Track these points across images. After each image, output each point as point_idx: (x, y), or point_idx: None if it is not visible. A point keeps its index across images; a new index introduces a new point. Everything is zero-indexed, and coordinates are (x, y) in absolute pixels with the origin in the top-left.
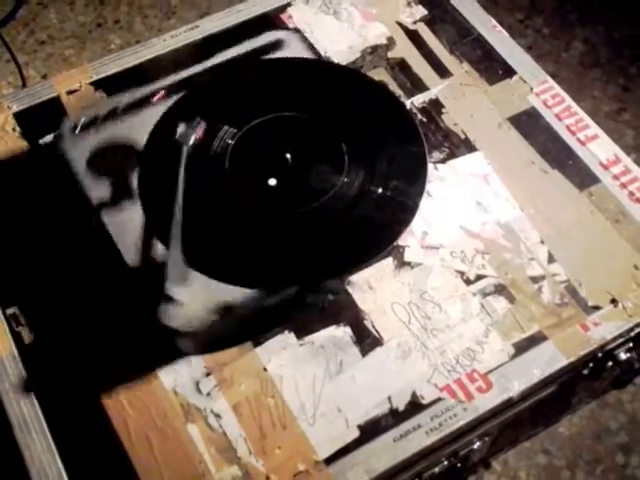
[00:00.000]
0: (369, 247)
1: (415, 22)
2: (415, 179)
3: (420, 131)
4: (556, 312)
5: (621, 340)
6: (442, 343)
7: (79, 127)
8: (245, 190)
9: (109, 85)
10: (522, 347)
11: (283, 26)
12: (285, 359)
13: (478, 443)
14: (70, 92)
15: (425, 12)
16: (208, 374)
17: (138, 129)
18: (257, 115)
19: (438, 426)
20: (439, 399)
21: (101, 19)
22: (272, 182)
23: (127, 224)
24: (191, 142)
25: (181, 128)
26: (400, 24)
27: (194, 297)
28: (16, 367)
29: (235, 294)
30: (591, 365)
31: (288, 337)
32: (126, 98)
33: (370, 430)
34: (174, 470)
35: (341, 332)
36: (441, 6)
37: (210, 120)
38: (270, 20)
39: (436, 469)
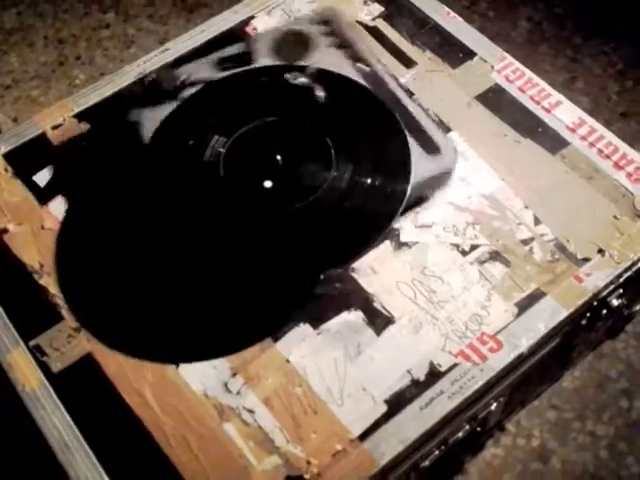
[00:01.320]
0: (367, 234)
1: (374, 19)
2: (400, 166)
3: (400, 120)
4: (550, 268)
5: (612, 287)
6: (449, 313)
7: None
8: (241, 193)
9: (92, 115)
10: (524, 305)
11: (247, 38)
12: (305, 349)
13: (494, 404)
14: (55, 127)
15: (382, 9)
16: (234, 374)
17: None
18: (243, 123)
19: (459, 389)
20: (455, 364)
21: (62, 57)
22: (267, 184)
23: None
24: None
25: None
26: (360, 22)
27: None
28: (48, 395)
29: None
30: (588, 315)
31: (304, 328)
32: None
33: (396, 403)
34: (217, 467)
35: (353, 316)
36: (396, 1)
37: (201, 131)
38: (236, 34)
39: (460, 434)
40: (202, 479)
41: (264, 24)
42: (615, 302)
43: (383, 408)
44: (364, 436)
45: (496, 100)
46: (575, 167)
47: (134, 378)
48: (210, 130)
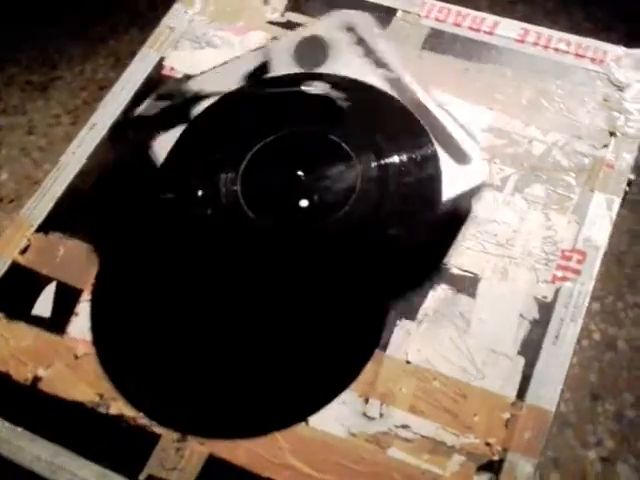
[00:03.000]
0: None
1: (282, 14)
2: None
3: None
4: (581, 168)
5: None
6: (523, 247)
7: None
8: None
9: (56, 221)
10: (581, 210)
11: (172, 80)
12: (417, 343)
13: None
14: (23, 251)
15: (285, 1)
16: (367, 400)
17: None
18: (251, 146)
19: (575, 309)
20: (558, 290)
21: None
22: (304, 203)
23: None
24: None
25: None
26: (272, 22)
27: None
28: None
29: None
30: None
31: (404, 324)
32: None
33: (530, 349)
34: None
35: (441, 292)
36: None
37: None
38: (156, 81)
39: None
40: None
41: (179, 60)
42: None
43: (521, 360)
44: (521, 393)
45: (440, 43)
46: (544, 72)
47: (270, 454)
48: (215, 168)
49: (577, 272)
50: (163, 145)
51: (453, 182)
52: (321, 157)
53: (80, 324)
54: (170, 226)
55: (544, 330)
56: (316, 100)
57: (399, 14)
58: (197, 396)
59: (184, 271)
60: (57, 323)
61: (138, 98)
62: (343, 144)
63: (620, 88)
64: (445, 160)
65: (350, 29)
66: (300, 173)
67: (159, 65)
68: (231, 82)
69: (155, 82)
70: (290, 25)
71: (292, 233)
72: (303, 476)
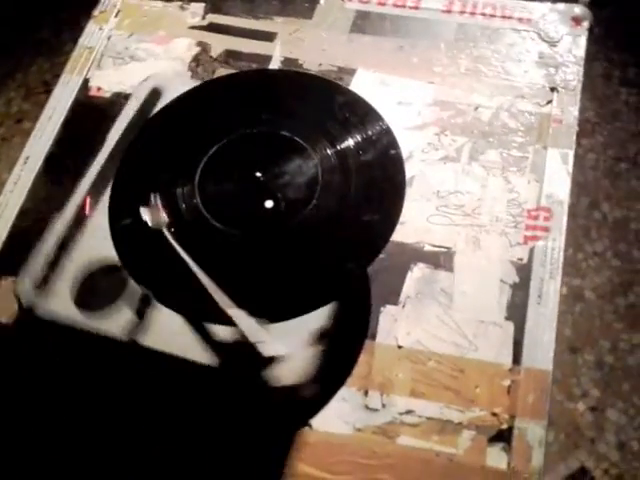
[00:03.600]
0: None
1: (203, 17)
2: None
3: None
4: (530, 124)
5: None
6: (489, 214)
7: None
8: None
9: (6, 266)
10: (538, 158)
11: (101, 100)
12: (405, 326)
13: None
14: None
15: (203, 4)
16: (366, 392)
17: None
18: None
19: (552, 265)
20: (532, 249)
21: None
22: (269, 204)
23: None
24: (166, 219)
25: (146, 214)
26: (194, 27)
27: (288, 343)
28: None
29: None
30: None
31: (388, 310)
32: None
33: (516, 313)
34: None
35: (418, 272)
36: None
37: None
38: (85, 104)
39: None
40: None
41: (105, 79)
42: None
43: (510, 325)
44: (517, 358)
45: (368, 24)
46: (476, 39)
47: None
48: (168, 183)
49: (546, 229)
50: None
51: None
52: (275, 155)
53: None
54: (133, 254)
55: (526, 292)
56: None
57: (322, 1)
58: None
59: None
60: None
61: (68, 125)
62: (295, 138)
63: (552, 43)
64: None
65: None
66: (258, 174)
67: (84, 87)
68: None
69: (84, 106)
70: (213, 28)
71: (264, 236)
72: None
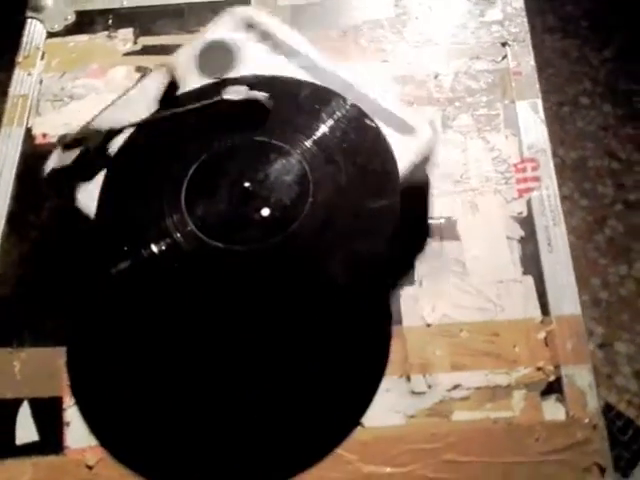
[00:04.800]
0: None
1: (135, 42)
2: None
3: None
4: (492, 83)
5: None
6: (478, 176)
7: None
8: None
9: None
10: (509, 114)
11: (49, 146)
12: (427, 303)
13: None
14: None
15: (130, 29)
16: (408, 377)
17: None
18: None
19: (552, 212)
20: (529, 201)
21: None
22: (265, 212)
23: None
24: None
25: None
26: (127, 53)
27: None
28: None
29: None
30: None
31: (407, 291)
32: None
33: (531, 265)
34: (500, 452)
35: (426, 247)
36: (141, 17)
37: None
38: (33, 154)
39: None
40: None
41: (48, 124)
42: None
43: (529, 279)
44: (545, 309)
45: (307, 17)
46: (417, 10)
47: (342, 473)
48: (156, 214)
49: (537, 179)
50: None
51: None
52: (257, 161)
53: (77, 432)
54: (138, 297)
55: (535, 243)
56: (239, 106)
57: (253, 3)
58: (233, 450)
59: (167, 335)
60: (50, 443)
61: (23, 178)
62: (272, 141)
63: (490, 1)
64: (390, 134)
65: (250, 26)
66: (247, 184)
67: (29, 137)
68: (143, 110)
69: (33, 156)
70: (148, 50)
71: (269, 245)
72: (385, 477)
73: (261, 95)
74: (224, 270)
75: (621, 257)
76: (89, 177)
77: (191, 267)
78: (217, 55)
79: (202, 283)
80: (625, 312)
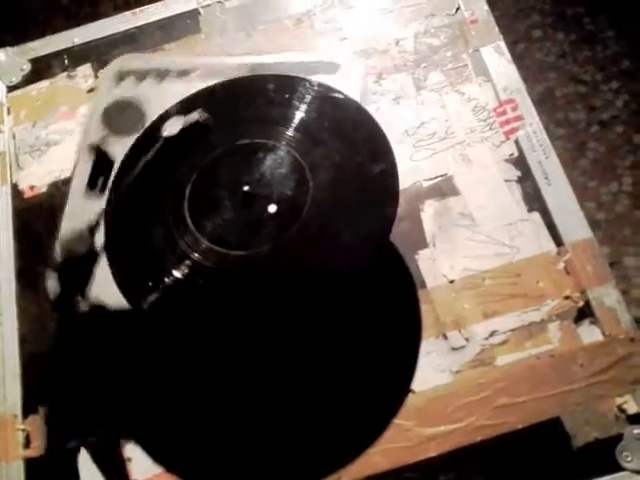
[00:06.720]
0: None
1: (96, 76)
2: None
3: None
4: (452, 36)
5: None
6: (463, 128)
7: None
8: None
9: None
10: (478, 64)
11: (39, 197)
12: (445, 261)
13: None
14: (26, 444)
15: (88, 64)
16: (444, 336)
17: None
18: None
19: (541, 147)
20: (517, 141)
21: None
22: (272, 209)
23: None
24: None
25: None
26: (91, 90)
27: None
28: None
29: None
30: None
31: (422, 255)
32: None
33: (535, 201)
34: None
35: (429, 208)
36: (97, 51)
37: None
38: (24, 208)
39: None
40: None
41: (33, 177)
42: None
43: (536, 215)
44: (558, 240)
45: (257, 13)
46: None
47: (403, 442)
48: (168, 243)
49: (519, 118)
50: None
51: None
52: (248, 164)
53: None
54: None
55: (533, 180)
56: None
57: (202, 12)
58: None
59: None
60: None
61: (22, 234)
62: (255, 140)
63: None
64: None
65: (131, 72)
66: (246, 188)
67: (17, 193)
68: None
69: (26, 210)
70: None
71: (291, 236)
72: (448, 437)
73: (196, 114)
74: (253, 275)
75: (609, 176)
76: (87, 280)
77: (217, 281)
78: (123, 112)
79: (233, 293)
80: (626, 227)
